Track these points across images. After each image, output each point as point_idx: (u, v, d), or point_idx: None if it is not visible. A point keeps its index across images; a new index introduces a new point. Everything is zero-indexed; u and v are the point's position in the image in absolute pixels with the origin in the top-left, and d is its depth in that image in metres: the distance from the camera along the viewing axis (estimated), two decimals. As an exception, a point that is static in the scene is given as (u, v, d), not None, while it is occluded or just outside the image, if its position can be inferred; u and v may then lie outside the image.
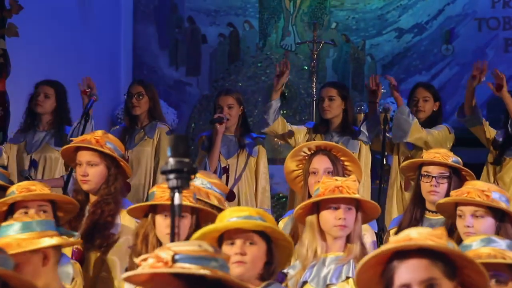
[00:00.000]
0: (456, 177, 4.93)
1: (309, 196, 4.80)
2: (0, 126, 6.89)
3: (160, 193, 4.23)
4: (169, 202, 3.96)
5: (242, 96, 6.93)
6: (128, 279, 2.58)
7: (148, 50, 10.72)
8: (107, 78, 9.75)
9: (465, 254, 2.58)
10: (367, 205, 4.35)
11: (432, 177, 4.89)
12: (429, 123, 6.69)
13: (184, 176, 2.53)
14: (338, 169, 4.88)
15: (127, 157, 6.61)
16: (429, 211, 4.91)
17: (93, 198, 4.92)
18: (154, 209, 4.31)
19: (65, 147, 5.08)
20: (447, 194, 4.80)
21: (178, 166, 2.52)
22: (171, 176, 2.53)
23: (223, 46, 10.70)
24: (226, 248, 3.56)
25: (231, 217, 3.58)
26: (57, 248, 3.64)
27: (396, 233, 4.58)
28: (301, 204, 4.35)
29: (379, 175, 6.52)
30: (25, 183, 4.58)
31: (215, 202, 4.56)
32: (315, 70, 9.28)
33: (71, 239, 4.08)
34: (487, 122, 6.68)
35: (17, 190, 4.43)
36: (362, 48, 10.51)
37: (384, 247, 2.56)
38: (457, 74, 10.21)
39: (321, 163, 4.89)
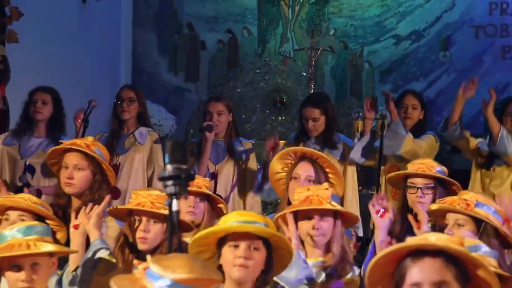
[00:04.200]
0: (441, 187, 4.90)
1: (289, 201, 4.80)
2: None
3: (134, 197, 4.16)
4: (139, 208, 4.05)
5: (232, 103, 6.93)
6: None
7: (148, 56, 10.76)
8: (106, 84, 9.78)
9: (479, 260, 2.57)
10: (344, 212, 4.32)
11: (417, 188, 4.88)
12: (416, 131, 6.68)
13: (181, 182, 2.54)
14: (321, 179, 4.83)
15: (118, 163, 6.61)
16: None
17: (76, 202, 4.90)
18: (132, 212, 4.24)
19: (54, 148, 5.08)
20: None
21: (176, 172, 2.53)
22: (169, 182, 2.53)
23: (222, 53, 10.74)
24: (228, 250, 3.54)
25: (236, 220, 3.55)
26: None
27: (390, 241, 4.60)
28: (278, 214, 4.33)
29: (376, 182, 6.50)
30: (22, 195, 4.49)
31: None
32: (313, 76, 9.32)
33: (67, 248, 4.10)
34: (468, 132, 6.70)
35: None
36: (360, 54, 10.56)
37: (400, 245, 2.57)
38: (455, 81, 10.24)
39: (304, 170, 4.86)
